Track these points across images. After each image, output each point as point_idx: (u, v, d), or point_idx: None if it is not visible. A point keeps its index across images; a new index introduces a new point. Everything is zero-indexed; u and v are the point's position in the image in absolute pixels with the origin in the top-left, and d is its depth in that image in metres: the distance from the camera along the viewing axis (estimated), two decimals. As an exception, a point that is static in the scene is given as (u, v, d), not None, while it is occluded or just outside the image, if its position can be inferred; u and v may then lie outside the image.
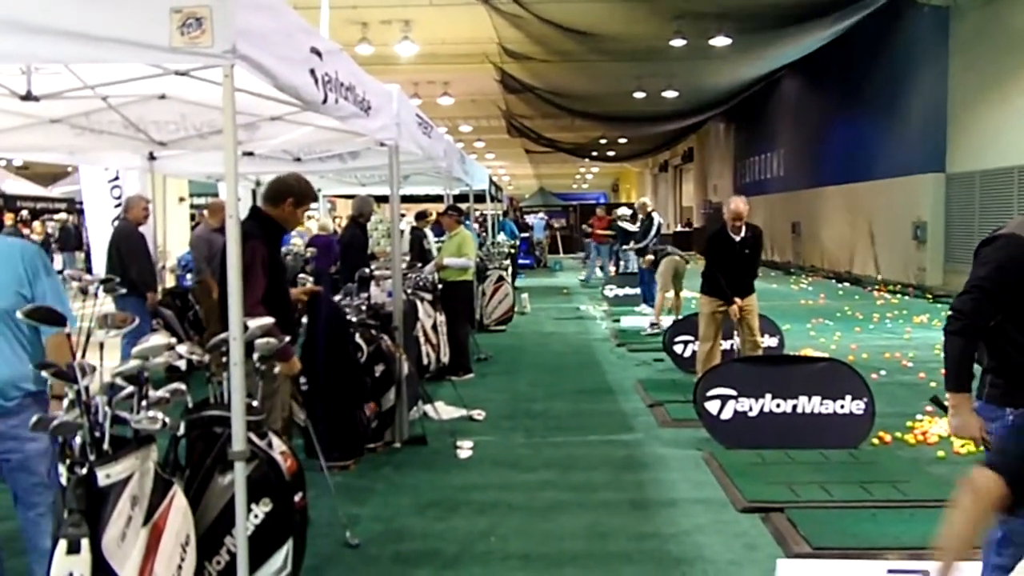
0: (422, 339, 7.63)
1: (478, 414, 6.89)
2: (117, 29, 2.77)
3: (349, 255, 9.10)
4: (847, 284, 19.09)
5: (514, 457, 5.82)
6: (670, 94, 22.58)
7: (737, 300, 6.98)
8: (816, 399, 5.73)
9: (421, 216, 13.17)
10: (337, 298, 6.50)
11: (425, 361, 7.67)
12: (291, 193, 4.38)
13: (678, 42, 16.74)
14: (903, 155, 17.57)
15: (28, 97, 4.45)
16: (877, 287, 17.63)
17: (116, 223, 8.56)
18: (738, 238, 6.97)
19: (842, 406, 5.72)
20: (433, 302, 8.26)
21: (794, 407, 5.74)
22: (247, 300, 3.43)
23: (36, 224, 24.02)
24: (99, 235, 9.68)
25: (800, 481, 4.98)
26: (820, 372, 5.88)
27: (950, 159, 16.26)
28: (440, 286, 8.68)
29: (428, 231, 12.82)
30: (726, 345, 7.73)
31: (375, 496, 5.00)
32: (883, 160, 18.43)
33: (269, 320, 3.49)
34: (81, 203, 22.29)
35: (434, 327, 8.09)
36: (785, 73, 23.55)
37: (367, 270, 7.31)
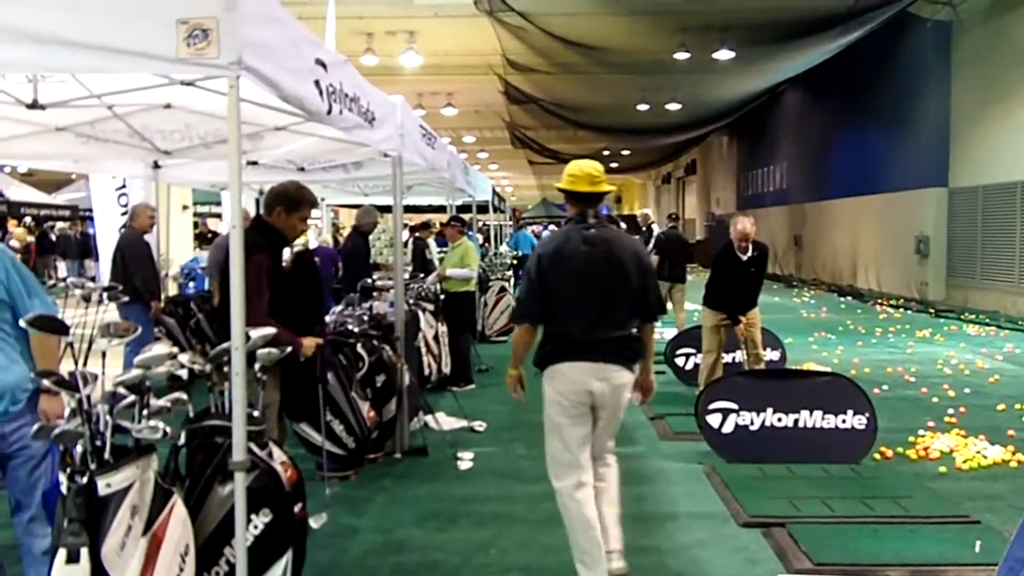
0: (423, 349, 7.63)
1: (479, 425, 6.88)
2: (123, 40, 2.78)
3: (351, 265, 9.11)
4: (849, 298, 19.08)
5: (515, 468, 5.81)
6: (674, 107, 22.64)
7: (742, 317, 6.99)
8: (818, 414, 5.72)
9: (424, 226, 13.20)
10: (339, 308, 6.51)
11: (426, 372, 7.66)
12: (279, 200, 4.28)
13: (682, 55, 16.80)
14: (906, 169, 17.59)
15: (34, 105, 4.48)
16: (879, 301, 17.62)
17: (122, 231, 8.58)
18: (745, 257, 6.99)
19: (844, 421, 5.70)
20: (435, 312, 8.26)
21: (796, 421, 5.73)
22: (251, 312, 3.40)
23: (17, 231, 23.30)
24: (108, 243, 9.71)
25: (801, 496, 4.96)
26: (822, 386, 5.87)
27: (953, 173, 16.28)
28: (442, 297, 8.69)
29: (431, 241, 12.84)
30: (728, 359, 7.71)
31: (375, 507, 4.99)
32: (886, 174, 18.44)
33: (271, 330, 3.48)
34: (84, 210, 22.39)
35: (436, 338, 8.09)
36: (788, 87, 23.61)
37: (369, 280, 7.32)
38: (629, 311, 3.72)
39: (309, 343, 4.33)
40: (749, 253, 6.99)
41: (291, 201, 4.29)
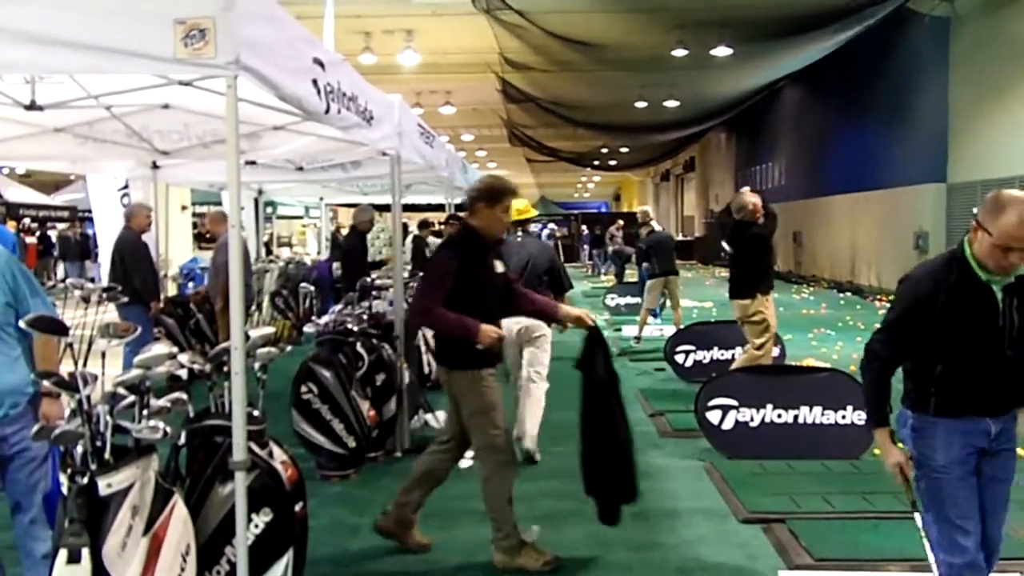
0: (423, 348, 7.63)
1: (479, 423, 6.87)
2: (121, 40, 2.79)
3: (349, 264, 9.12)
4: (848, 293, 19.08)
5: (515, 467, 5.80)
6: (672, 104, 22.62)
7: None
8: (817, 409, 5.72)
9: (424, 225, 13.21)
10: (339, 307, 6.51)
11: (426, 370, 7.67)
12: (479, 197, 4.12)
13: (680, 52, 16.77)
14: (904, 165, 17.58)
15: (32, 107, 4.49)
16: (879, 297, 17.62)
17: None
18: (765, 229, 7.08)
19: (843, 416, 5.71)
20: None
21: (795, 417, 5.73)
22: (423, 303, 3.99)
23: None
24: (108, 244, 9.70)
25: (801, 492, 4.97)
26: (822, 382, 5.87)
27: (951, 169, 16.27)
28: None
29: (431, 240, 12.85)
30: (728, 355, 7.72)
31: (376, 506, 4.98)
32: (884, 170, 18.44)
33: (270, 330, 3.49)
34: (83, 211, 22.38)
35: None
36: (786, 83, 23.59)
37: (368, 279, 7.32)
38: (543, 286, 5.69)
39: (487, 329, 3.95)
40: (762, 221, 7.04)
41: (490, 194, 4.13)
